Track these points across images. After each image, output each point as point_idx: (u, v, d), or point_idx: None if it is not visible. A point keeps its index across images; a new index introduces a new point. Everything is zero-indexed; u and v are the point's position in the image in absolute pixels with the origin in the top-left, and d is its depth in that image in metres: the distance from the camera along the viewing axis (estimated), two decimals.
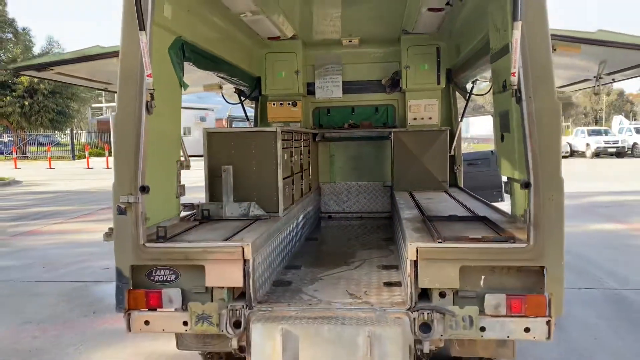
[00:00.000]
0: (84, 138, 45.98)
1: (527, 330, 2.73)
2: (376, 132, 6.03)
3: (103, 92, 53.66)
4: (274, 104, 5.89)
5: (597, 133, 32.99)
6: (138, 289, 2.94)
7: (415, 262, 2.74)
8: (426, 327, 2.74)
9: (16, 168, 27.91)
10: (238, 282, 2.85)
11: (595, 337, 4.49)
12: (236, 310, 2.84)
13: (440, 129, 5.53)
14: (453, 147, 5.75)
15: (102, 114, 50.28)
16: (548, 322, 2.72)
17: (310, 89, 6.03)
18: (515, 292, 2.75)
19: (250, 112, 6.41)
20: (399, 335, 2.64)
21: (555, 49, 3.61)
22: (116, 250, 2.93)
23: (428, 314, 2.73)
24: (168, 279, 2.95)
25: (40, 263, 7.37)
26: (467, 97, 5.76)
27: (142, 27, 2.69)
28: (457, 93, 5.89)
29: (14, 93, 36.14)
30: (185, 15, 3.57)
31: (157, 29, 3.09)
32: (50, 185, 18.89)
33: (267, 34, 5.07)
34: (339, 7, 4.61)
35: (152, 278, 2.96)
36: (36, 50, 40.10)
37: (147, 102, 2.87)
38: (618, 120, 45.47)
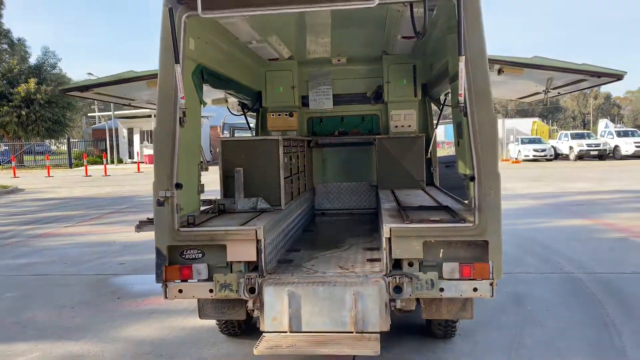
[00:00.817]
0: (79, 146, 46.56)
1: (475, 289, 3.57)
2: (362, 139, 6.87)
3: (96, 102, 54.28)
4: (273, 115, 6.73)
5: (580, 136, 34.14)
6: (173, 264, 3.76)
7: (389, 239, 3.57)
8: (398, 288, 3.57)
9: (15, 176, 28.52)
10: (252, 257, 3.67)
11: (547, 309, 5.33)
12: (251, 279, 3.65)
13: (417, 135, 6.38)
14: (429, 151, 6.60)
15: (95, 123, 50.78)
16: (491, 284, 3.56)
17: (305, 101, 6.87)
18: (466, 261, 3.58)
19: (249, 121, 7.25)
20: (377, 294, 3.47)
21: (503, 71, 4.51)
22: (156, 234, 3.74)
23: (399, 278, 3.56)
24: (197, 257, 3.77)
25: (61, 260, 8.14)
26: (440, 108, 6.62)
27: (177, 61, 3.53)
28: (432, 104, 6.75)
29: (11, 103, 36.75)
30: (204, 46, 4.39)
31: (185, 60, 3.92)
32: (53, 193, 19.59)
33: (267, 56, 5.93)
34: (328, 34, 5.45)
35: (184, 256, 3.77)
36: (32, 60, 40.71)
37: (180, 118, 3.70)
38: (604, 124, 46.65)
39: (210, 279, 3.73)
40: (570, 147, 32.64)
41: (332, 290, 3.48)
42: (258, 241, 3.67)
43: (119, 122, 41.34)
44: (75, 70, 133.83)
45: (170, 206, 3.70)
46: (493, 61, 4.34)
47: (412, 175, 6.26)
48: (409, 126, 6.69)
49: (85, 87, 5.07)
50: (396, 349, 4.36)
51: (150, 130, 38.75)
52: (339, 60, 6.55)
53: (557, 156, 33.82)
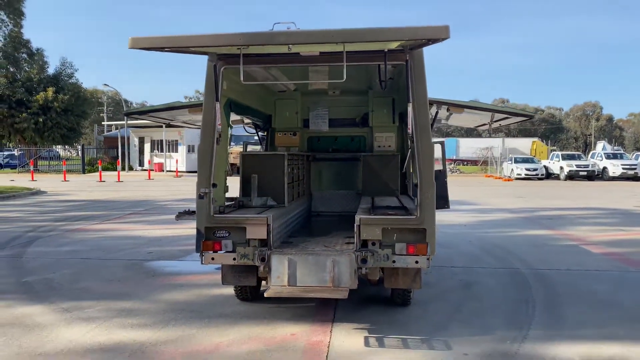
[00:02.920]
0: (91, 153, 48.37)
1: (416, 262, 5.14)
2: (352, 155, 8.47)
3: (105, 111, 56.19)
4: (280, 134, 8.37)
5: (571, 157, 35.73)
6: (208, 240, 5.35)
7: (359, 226, 5.16)
8: (364, 260, 5.14)
9: (33, 180, 30.22)
10: (264, 236, 5.26)
11: (487, 291, 6.88)
12: (262, 251, 5.23)
13: (394, 154, 7.99)
14: (404, 166, 8.19)
15: (104, 131, 52.66)
16: (428, 258, 5.14)
17: (306, 124, 8.50)
18: (411, 242, 5.16)
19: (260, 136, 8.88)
20: (348, 262, 5.04)
21: (449, 110, 6.15)
22: (197, 218, 5.34)
23: (365, 252, 5.13)
24: (225, 235, 5.36)
25: (99, 248, 9.74)
26: None
27: (217, 99, 5.17)
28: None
29: (29, 110, 38.64)
30: (233, 85, 6.02)
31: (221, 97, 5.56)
32: (74, 195, 21.24)
33: (277, 89, 7.58)
34: (326, 76, 7.07)
35: (215, 234, 5.36)
36: (50, 70, 42.69)
37: (217, 138, 5.32)
38: (601, 146, 48.23)
39: (233, 251, 5.32)
40: (561, 168, 34.23)
41: (318, 258, 5.07)
42: (268, 225, 5.27)
43: (130, 131, 43.15)
44: (87, 76, 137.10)
45: (208, 199, 5.31)
46: (441, 102, 5.97)
47: (389, 185, 7.85)
48: (389, 146, 8.31)
49: (145, 112, 6.73)
50: (366, 311, 5.93)
51: (161, 140, 40.56)
52: (333, 93, 8.19)
53: (549, 176, 35.40)
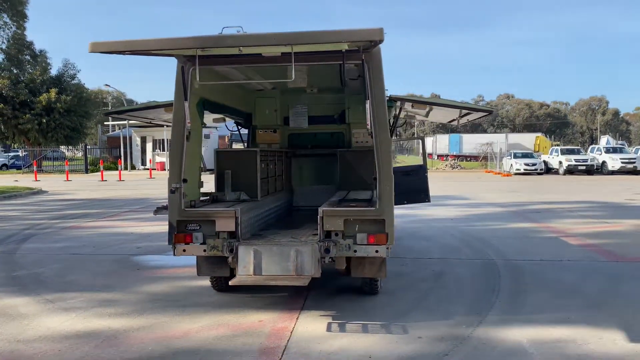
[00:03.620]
0: (94, 153, 48.89)
1: (377, 251, 5.40)
2: (330, 151, 8.71)
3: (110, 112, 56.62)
4: (261, 131, 8.64)
5: (570, 152, 35.79)
6: (179, 233, 5.63)
7: (322, 217, 5.43)
8: (327, 250, 5.41)
9: (36, 180, 30.68)
10: (232, 228, 5.53)
11: (457, 280, 7.13)
12: (231, 242, 5.51)
13: (369, 149, 8.21)
14: None
15: (109, 131, 53.16)
16: (387, 247, 5.39)
17: (287, 121, 8.76)
18: (371, 232, 5.41)
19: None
20: (310, 251, 5.29)
21: (413, 106, 6.40)
22: (169, 212, 5.62)
23: (327, 243, 5.40)
24: (196, 228, 5.64)
25: (90, 244, 10.05)
26: (391, 129, 8.48)
27: (186, 99, 5.44)
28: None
29: (32, 111, 39.14)
30: (205, 86, 6.28)
31: (191, 96, 5.83)
32: (74, 194, 21.63)
33: (255, 88, 7.85)
34: (305, 75, 7.31)
35: (187, 227, 5.64)
36: (53, 71, 43.18)
37: (187, 135, 5.59)
38: (605, 140, 48.21)
39: (204, 242, 5.59)
40: (560, 162, 34.31)
41: (282, 248, 5.33)
42: (237, 218, 5.54)
43: (132, 131, 43.58)
44: (90, 77, 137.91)
45: (179, 193, 5.59)
46: (405, 99, 6.23)
47: (366, 179, 8.10)
48: (367, 142, 8.55)
49: (123, 111, 7.02)
50: (335, 300, 6.20)
51: (162, 139, 40.97)
52: (312, 90, 8.44)
53: (549, 170, 35.49)
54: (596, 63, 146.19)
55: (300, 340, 4.96)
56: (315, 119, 8.72)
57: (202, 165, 6.39)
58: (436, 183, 26.97)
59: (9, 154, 51.25)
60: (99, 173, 33.47)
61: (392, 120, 7.75)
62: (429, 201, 10.04)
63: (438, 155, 60.18)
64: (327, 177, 8.84)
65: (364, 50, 5.06)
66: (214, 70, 6.25)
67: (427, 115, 8.81)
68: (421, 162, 10.11)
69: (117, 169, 35.55)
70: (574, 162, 33.50)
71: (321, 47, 4.76)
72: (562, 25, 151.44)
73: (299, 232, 6.26)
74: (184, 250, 5.64)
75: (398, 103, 6.67)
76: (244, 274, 5.35)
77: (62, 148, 52.41)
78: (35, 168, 34.12)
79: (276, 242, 5.58)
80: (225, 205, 5.99)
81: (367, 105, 5.25)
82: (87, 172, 40.11)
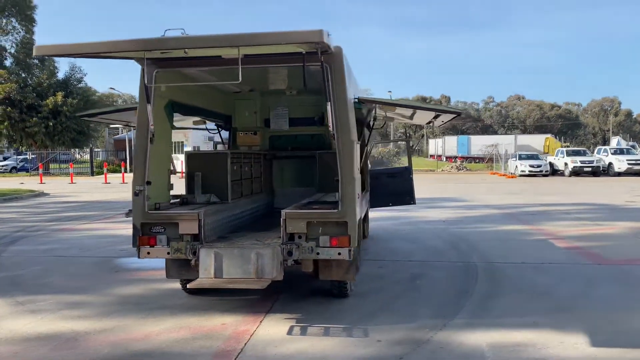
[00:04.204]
0: (101, 156, 49.29)
1: (339, 254, 5.36)
2: (310, 153, 8.65)
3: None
4: (241, 133, 8.64)
5: (576, 153, 35.44)
6: (144, 235, 5.62)
7: (285, 220, 5.40)
8: (290, 253, 5.38)
9: (42, 182, 30.97)
10: (195, 231, 5.52)
11: (432, 284, 7.06)
12: (194, 245, 5.50)
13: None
14: (361, 163, 8.38)
15: (118, 133, 53.59)
16: (349, 250, 5.35)
17: (267, 123, 8.75)
18: (334, 234, 5.38)
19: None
20: (271, 254, 5.26)
21: (381, 107, 6.35)
22: (133, 215, 5.63)
23: (290, 245, 5.37)
24: (160, 231, 5.63)
25: (77, 247, 10.11)
26: (370, 130, 8.45)
27: (149, 102, 5.44)
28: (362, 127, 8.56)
29: (39, 114, 39.57)
30: (174, 88, 6.28)
31: (158, 98, 5.84)
32: (75, 197, 21.80)
33: (232, 91, 7.84)
34: (284, 77, 7.29)
35: (152, 230, 5.64)
36: (60, 75, 43.63)
37: (150, 137, 5.59)
38: (616, 141, 47.70)
39: (168, 245, 5.59)
40: (565, 164, 33.97)
41: (243, 251, 5.31)
42: (200, 220, 5.53)
43: None
44: (101, 80, 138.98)
45: (143, 196, 5.59)
46: (372, 101, 6.19)
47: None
48: None
49: (95, 114, 7.05)
50: (304, 303, 6.16)
51: None
52: (291, 92, 8.42)
53: (555, 172, 35.15)
54: (609, 63, 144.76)
55: (258, 344, 4.93)
56: (296, 121, 8.70)
57: (171, 168, 6.39)
58: (437, 185, 26.93)
59: (19, 156, 51.82)
60: (104, 175, 33.70)
61: (364, 122, 7.74)
62: (414, 203, 10.00)
63: (447, 157, 59.98)
64: (308, 179, 8.80)
65: (323, 53, 5.02)
66: (182, 73, 6.26)
67: (411, 117, 8.75)
68: (406, 164, 10.09)
69: (121, 172, 35.76)
70: (579, 164, 33.16)
71: (270, 49, 4.74)
72: (574, 25, 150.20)
73: (267, 235, 6.23)
74: (148, 253, 5.64)
75: (375, 106, 6.61)
76: (205, 276, 5.33)
77: (73, 151, 52.96)
78: (40, 171, 34.43)
79: (239, 244, 5.56)
80: (190, 207, 5.99)
81: (328, 108, 5.21)
82: (92, 175, 40.40)
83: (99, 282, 7.32)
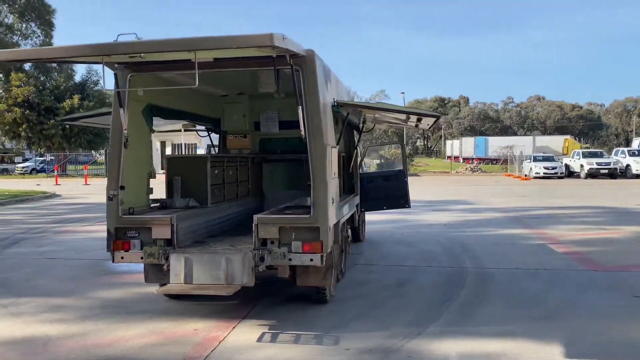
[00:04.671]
0: None
1: (311, 260, 5.29)
2: (299, 156, 8.55)
3: None
4: (231, 136, 8.61)
5: (592, 155, 34.80)
6: (118, 240, 5.62)
7: (257, 225, 5.35)
8: (262, 259, 5.32)
9: (57, 184, 31.45)
10: (168, 236, 5.50)
11: (418, 290, 6.93)
12: (167, 250, 5.47)
13: (340, 155, 8.09)
14: (351, 167, 8.31)
15: None
16: (322, 256, 5.27)
17: (257, 126, 8.71)
18: (306, 240, 5.30)
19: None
20: (241, 260, 5.20)
21: (361, 111, 6.26)
22: (107, 219, 5.63)
23: (262, 251, 5.31)
24: (134, 235, 5.62)
25: (72, 249, 10.19)
26: (360, 133, 8.36)
27: (121, 106, 5.43)
28: (353, 130, 8.48)
29: (56, 117, 40.19)
30: (153, 92, 6.26)
31: (134, 102, 5.83)
32: (85, 198, 22.06)
33: (218, 94, 7.81)
34: (272, 82, 7.21)
35: (126, 234, 5.63)
36: (77, 77, 44.30)
37: (124, 142, 5.58)
38: (637, 142, 46.79)
39: (141, 249, 5.57)
40: (581, 166, 33.36)
41: (213, 257, 5.26)
42: (172, 225, 5.51)
43: (152, 135, 44.14)
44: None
45: (116, 201, 5.58)
46: (349, 104, 6.10)
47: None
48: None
49: (77, 118, 7.09)
50: (282, 309, 6.10)
51: (180, 144, 41.49)
52: (279, 96, 8.36)
53: (571, 174, 34.53)
54: (632, 63, 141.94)
55: (226, 351, 4.88)
56: (286, 124, 8.63)
57: (151, 172, 6.38)
58: (448, 187, 26.62)
59: (39, 158, 52.74)
60: None
61: (341, 126, 7.68)
62: (408, 207, 9.87)
63: (464, 158, 59.34)
64: (299, 182, 8.73)
65: (292, 57, 4.96)
66: (160, 77, 6.23)
67: (406, 121, 8.63)
68: (401, 167, 9.96)
69: None
70: (595, 166, 32.53)
71: (236, 53, 4.70)
72: (596, 25, 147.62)
73: (244, 240, 6.18)
74: (122, 258, 5.63)
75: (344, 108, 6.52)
76: (176, 282, 5.30)
77: (93, 152, 53.71)
78: (56, 172, 34.96)
79: (211, 250, 5.51)
80: (166, 212, 5.96)
81: (299, 112, 5.15)
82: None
83: (84, 285, 7.35)
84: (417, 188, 23.81)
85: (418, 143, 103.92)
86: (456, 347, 4.85)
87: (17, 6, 33.69)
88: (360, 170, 9.89)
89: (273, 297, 6.52)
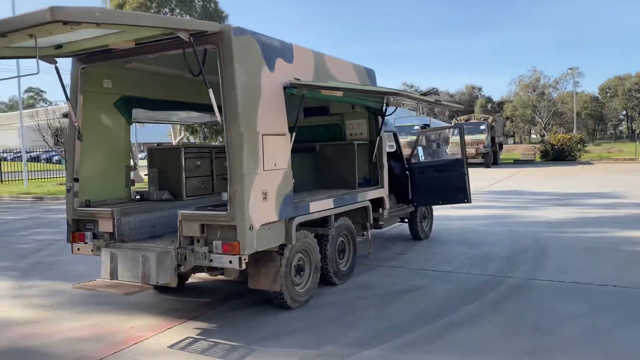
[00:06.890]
0: None
1: (230, 262, 4.71)
2: (306, 146, 7.32)
3: None
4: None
5: None
6: (76, 232, 5.67)
7: (180, 221, 4.94)
8: (185, 258, 4.90)
9: None
10: (111, 229, 5.38)
11: (420, 299, 5.85)
12: (107, 244, 5.35)
13: (348, 142, 7.21)
14: (374, 155, 7.36)
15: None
16: (240, 259, 4.66)
17: None
18: (226, 240, 4.74)
19: None
20: (156, 258, 4.75)
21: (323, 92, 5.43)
22: (66, 211, 5.72)
23: (184, 250, 4.89)
24: (90, 227, 5.62)
25: None
26: (383, 117, 7.33)
27: (67, 99, 5.44)
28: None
29: None
30: (128, 83, 6.17)
31: (99, 95, 5.81)
32: None
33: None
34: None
35: (85, 227, 5.65)
36: None
37: (77, 135, 5.59)
38: None
39: (93, 242, 5.55)
40: None
41: (133, 253, 4.98)
42: (114, 219, 5.38)
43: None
44: None
45: (72, 193, 5.63)
46: (302, 85, 5.27)
47: (346, 177, 7.13)
48: (361, 134, 7.54)
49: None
50: (241, 313, 5.61)
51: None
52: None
53: None
54: None
55: (130, 353, 4.59)
56: (310, 111, 7.95)
57: (133, 164, 6.36)
58: (610, 176, 22.42)
59: None
60: None
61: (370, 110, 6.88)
62: (468, 202, 8.58)
63: None
64: (304, 175, 7.78)
65: (208, 35, 4.50)
66: (141, 68, 6.13)
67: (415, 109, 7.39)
68: (459, 156, 8.66)
69: None
70: None
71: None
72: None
73: None
74: (79, 249, 5.68)
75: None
76: (105, 278, 5.15)
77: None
78: None
79: (138, 245, 5.25)
80: (137, 205, 5.86)
81: (210, 94, 4.62)
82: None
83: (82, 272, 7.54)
84: (566, 179, 20.74)
85: (622, 127, 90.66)
86: None
87: (194, 13, 36.93)
88: (415, 159, 8.79)
89: (246, 298, 6.04)
